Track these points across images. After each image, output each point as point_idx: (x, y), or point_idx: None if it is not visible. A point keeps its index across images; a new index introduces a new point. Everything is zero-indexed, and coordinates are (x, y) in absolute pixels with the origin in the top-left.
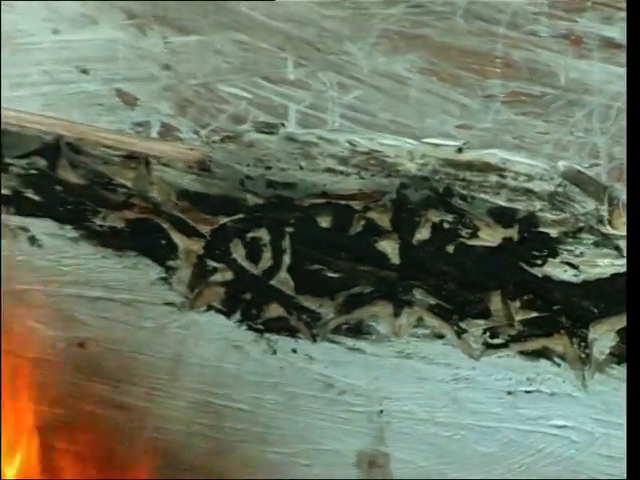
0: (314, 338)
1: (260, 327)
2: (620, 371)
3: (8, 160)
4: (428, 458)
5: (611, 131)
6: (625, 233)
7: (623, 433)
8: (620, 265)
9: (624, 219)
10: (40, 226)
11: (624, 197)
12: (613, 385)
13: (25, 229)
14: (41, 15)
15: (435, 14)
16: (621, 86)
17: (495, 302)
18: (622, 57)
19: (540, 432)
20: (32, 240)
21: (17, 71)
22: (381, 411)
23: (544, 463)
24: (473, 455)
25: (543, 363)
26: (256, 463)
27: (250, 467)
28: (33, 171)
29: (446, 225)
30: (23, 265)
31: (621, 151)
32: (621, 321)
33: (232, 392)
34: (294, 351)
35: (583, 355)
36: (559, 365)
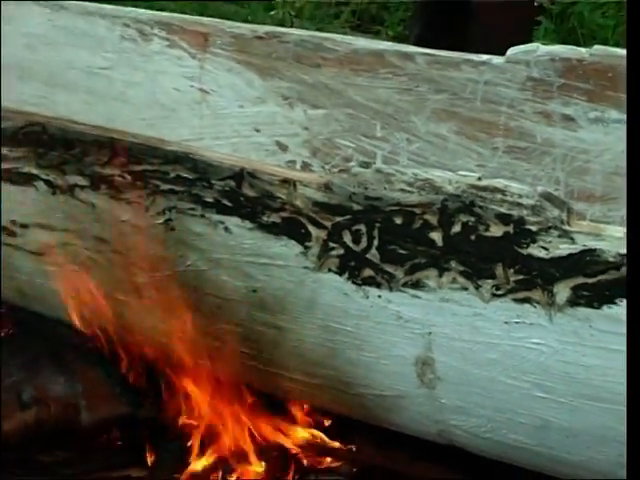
0: (391, 289)
1: (359, 282)
2: (572, 312)
3: (213, 181)
4: (457, 361)
5: (567, 170)
6: (577, 229)
7: (574, 348)
8: (573, 248)
9: (577, 220)
10: (231, 221)
11: (575, 208)
12: (568, 319)
13: (222, 222)
14: (233, 97)
15: (464, 99)
16: (574, 143)
17: (498, 269)
18: (575, 126)
19: (524, 347)
20: (226, 229)
21: (217, 130)
22: (430, 332)
23: (526, 364)
24: (483, 359)
25: (526, 306)
26: (355, 362)
27: (352, 365)
28: (227, 188)
29: (470, 223)
30: (219, 243)
31: (574, 181)
32: (573, 281)
33: (342, 320)
34: (379, 296)
35: (550, 301)
36: (535, 307)
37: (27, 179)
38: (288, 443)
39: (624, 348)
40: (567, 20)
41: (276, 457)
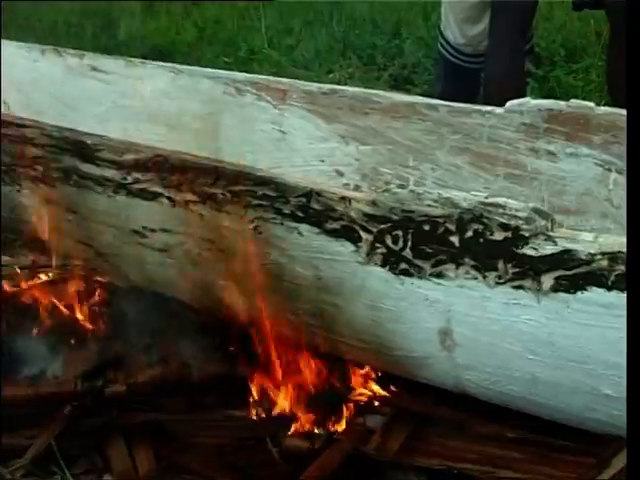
0: (421, 278)
1: (397, 272)
2: (554, 296)
3: (289, 198)
4: (470, 331)
5: (550, 191)
6: (558, 235)
7: (556, 322)
8: (555, 249)
9: (558, 228)
10: (303, 227)
11: (557, 219)
12: (551, 302)
13: (296, 228)
14: (304, 136)
15: (473, 138)
16: (555, 171)
17: (500, 264)
18: (555, 159)
19: (519, 321)
20: (299, 233)
21: (292, 160)
22: (449, 310)
23: (520, 334)
24: (489, 330)
25: (521, 291)
26: (394, 332)
27: (391, 334)
28: (300, 203)
29: (479, 230)
30: (294, 244)
31: (555, 199)
32: (556, 273)
33: (384, 301)
34: (412, 284)
35: (538, 288)
36: (527, 292)
37: (154, 196)
38: (345, 391)
39: (594, 323)
40: (548, 81)
41: (334, 401)
